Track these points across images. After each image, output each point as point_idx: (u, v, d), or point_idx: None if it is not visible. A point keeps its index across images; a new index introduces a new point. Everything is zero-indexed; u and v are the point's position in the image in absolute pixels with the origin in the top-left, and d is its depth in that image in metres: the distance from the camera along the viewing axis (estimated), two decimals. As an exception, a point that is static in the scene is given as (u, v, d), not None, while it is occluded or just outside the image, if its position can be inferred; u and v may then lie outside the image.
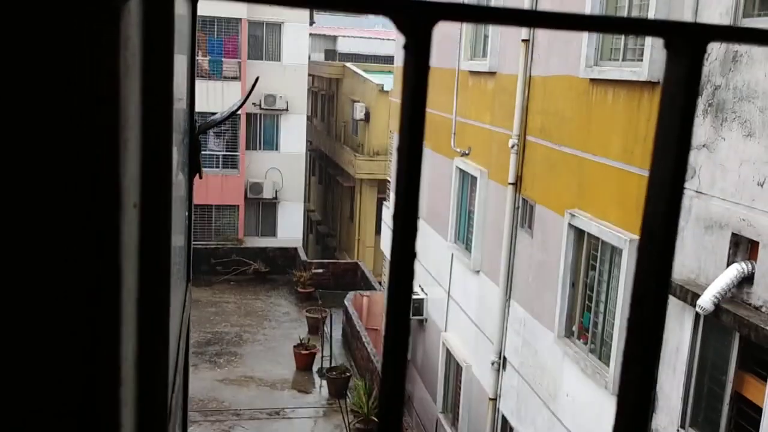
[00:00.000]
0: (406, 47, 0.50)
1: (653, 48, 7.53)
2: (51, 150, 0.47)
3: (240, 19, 25.76)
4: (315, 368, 18.23)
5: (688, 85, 0.52)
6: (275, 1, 0.47)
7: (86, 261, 0.48)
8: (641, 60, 7.87)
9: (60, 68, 0.44)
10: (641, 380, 0.56)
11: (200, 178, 1.74)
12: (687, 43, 0.52)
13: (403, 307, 0.52)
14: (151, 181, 0.66)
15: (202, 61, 25.73)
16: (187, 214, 1.68)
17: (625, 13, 8.37)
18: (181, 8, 1.36)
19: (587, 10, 8.77)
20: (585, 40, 8.83)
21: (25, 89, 0.46)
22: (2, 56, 0.45)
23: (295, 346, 18.42)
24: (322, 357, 18.03)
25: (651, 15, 7.54)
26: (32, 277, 0.47)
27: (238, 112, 25.70)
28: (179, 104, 1.35)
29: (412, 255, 0.49)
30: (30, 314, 0.48)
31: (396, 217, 0.48)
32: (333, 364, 17.69)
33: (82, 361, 0.52)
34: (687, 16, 6.97)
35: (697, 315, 6.64)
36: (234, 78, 25.92)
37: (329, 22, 46.98)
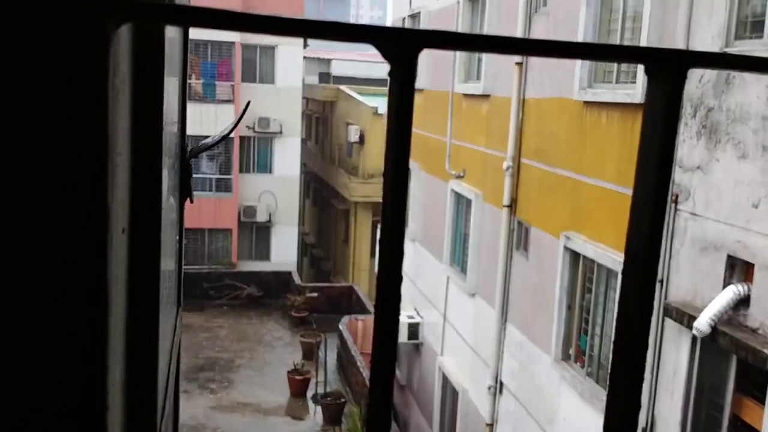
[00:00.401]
0: (391, 74, 0.51)
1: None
2: (37, 175, 0.47)
3: (234, 42, 25.91)
4: (309, 394, 18.09)
5: (668, 110, 0.52)
6: (264, 30, 0.48)
7: (72, 286, 0.48)
8: (634, 82, 7.94)
9: (49, 94, 0.45)
10: (627, 399, 0.56)
11: (191, 202, 1.74)
12: (667, 69, 0.52)
13: (391, 328, 0.53)
14: (141, 206, 0.66)
15: (196, 84, 25.83)
16: (177, 238, 1.68)
17: (618, 36, 8.46)
18: (171, 31, 1.37)
19: (580, 34, 8.86)
20: (579, 62, 8.91)
21: (13, 112, 0.47)
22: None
23: (289, 372, 18.28)
24: (317, 382, 17.90)
25: (644, 37, 7.62)
26: (16, 303, 0.47)
27: (231, 135, 25.77)
28: (170, 128, 1.35)
29: (399, 277, 0.50)
30: (14, 339, 0.48)
31: (382, 241, 0.49)
32: (328, 390, 17.56)
33: (68, 386, 0.52)
34: (679, 39, 7.05)
35: (694, 338, 6.63)
36: (227, 101, 26.01)
37: (323, 45, 47.30)
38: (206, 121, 24.95)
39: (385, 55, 0.50)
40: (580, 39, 8.88)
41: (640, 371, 0.55)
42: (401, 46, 0.48)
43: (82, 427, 0.54)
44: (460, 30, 12.89)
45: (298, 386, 18.03)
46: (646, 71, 0.54)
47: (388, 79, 0.52)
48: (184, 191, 1.61)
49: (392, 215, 0.49)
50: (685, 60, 0.53)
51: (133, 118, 0.64)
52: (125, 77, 0.57)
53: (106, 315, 0.51)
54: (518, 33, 10.55)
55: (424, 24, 15.00)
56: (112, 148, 0.50)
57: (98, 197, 0.48)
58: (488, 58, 11.82)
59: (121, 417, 0.73)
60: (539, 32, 10.22)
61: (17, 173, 0.47)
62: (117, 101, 0.51)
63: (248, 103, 3.45)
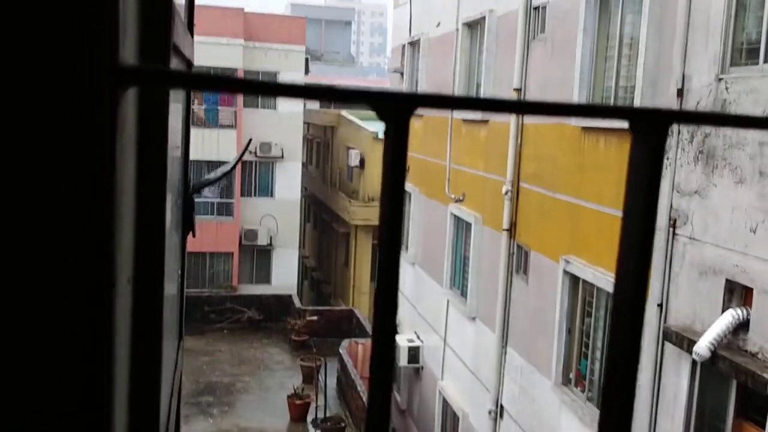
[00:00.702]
0: (386, 133, 0.53)
1: (643, 96, 7.66)
2: (46, 230, 0.50)
3: (236, 69, 26.11)
4: (309, 418, 17.97)
5: (651, 166, 0.55)
6: (267, 93, 0.50)
7: (79, 340, 0.50)
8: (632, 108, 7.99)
9: (57, 157, 0.47)
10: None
11: (194, 236, 1.76)
12: (650, 126, 0.55)
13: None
14: (145, 256, 0.68)
15: (199, 109, 25.99)
16: (180, 272, 1.70)
17: (614, 62, 8.53)
18: (176, 65, 1.40)
19: (577, 59, 8.94)
20: (576, 88, 8.98)
21: (24, 167, 0.49)
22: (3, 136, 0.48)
23: (289, 396, 18.19)
24: (317, 407, 17.79)
25: (640, 63, 7.69)
26: (19, 353, 0.49)
27: (235, 163, 25.83)
28: (174, 165, 1.38)
29: (393, 331, 0.52)
30: (18, 392, 0.50)
31: (377, 296, 0.51)
32: (328, 414, 17.45)
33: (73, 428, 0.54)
34: (675, 65, 7.11)
35: (694, 362, 6.62)
36: (229, 126, 26.16)
37: (324, 71, 47.65)
38: (209, 146, 25.08)
39: (380, 116, 0.52)
40: (577, 64, 8.96)
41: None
42: (395, 107, 0.51)
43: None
44: (458, 57, 13.01)
45: (298, 410, 17.92)
46: (630, 127, 0.57)
47: (383, 137, 0.54)
48: (187, 226, 1.64)
49: (387, 271, 0.51)
50: (668, 117, 0.55)
51: (138, 172, 0.67)
52: (131, 133, 0.60)
53: (111, 364, 0.53)
54: (516, 59, 10.64)
55: (424, 50, 15.13)
56: (119, 205, 0.52)
57: (105, 252, 0.51)
58: (487, 85, 11.91)
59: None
60: (537, 58, 10.31)
61: (23, 226, 0.49)
62: (123, 158, 0.53)
63: (250, 140, 3.49)
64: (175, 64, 0.99)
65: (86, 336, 0.50)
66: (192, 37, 1.69)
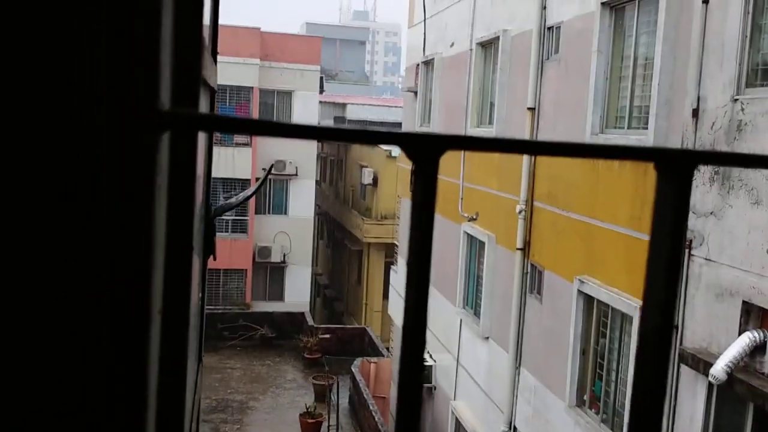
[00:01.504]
0: (415, 173, 0.54)
1: (658, 117, 7.65)
2: (89, 269, 0.51)
3: (252, 87, 26.32)
4: (322, 437, 17.89)
5: (677, 206, 0.55)
6: (291, 134, 0.52)
7: (114, 372, 0.51)
8: (646, 128, 7.99)
9: (100, 202, 0.49)
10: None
11: (214, 259, 1.78)
12: (675, 167, 0.56)
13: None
14: (173, 288, 0.70)
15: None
16: (201, 295, 1.72)
17: (629, 83, 8.53)
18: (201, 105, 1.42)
19: (591, 80, 8.95)
20: (590, 107, 8.99)
21: (70, 212, 0.50)
22: (54, 177, 0.49)
23: (301, 415, 18.13)
24: (329, 426, 17.72)
25: (654, 84, 7.69)
26: (53, 390, 0.50)
27: (249, 178, 26.00)
28: (198, 193, 1.40)
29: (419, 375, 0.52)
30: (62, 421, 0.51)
31: (403, 347, 0.52)
32: (340, 433, 17.37)
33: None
34: (690, 86, 7.10)
35: (710, 384, 6.55)
36: (245, 144, 26.32)
37: (339, 90, 47.95)
38: (224, 164, 25.24)
39: (410, 157, 0.54)
40: (591, 85, 8.97)
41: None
42: (425, 149, 0.52)
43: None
44: (472, 77, 13.05)
45: (310, 429, 17.85)
46: (656, 168, 0.57)
47: (412, 176, 0.56)
48: (208, 250, 1.65)
49: (415, 310, 0.52)
50: (693, 158, 0.56)
51: (168, 209, 0.68)
52: (164, 172, 0.61)
53: (145, 394, 0.54)
54: (530, 79, 10.67)
55: (438, 69, 15.20)
56: (155, 241, 0.53)
57: (142, 286, 0.52)
58: (501, 104, 11.94)
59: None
60: (551, 78, 10.33)
61: (65, 264, 0.51)
62: (159, 197, 0.55)
63: (271, 166, 3.52)
64: (202, 96, 1.00)
65: (124, 372, 0.51)
66: (216, 64, 1.72)
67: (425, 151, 0.52)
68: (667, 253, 0.57)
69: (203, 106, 1.37)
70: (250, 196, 3.10)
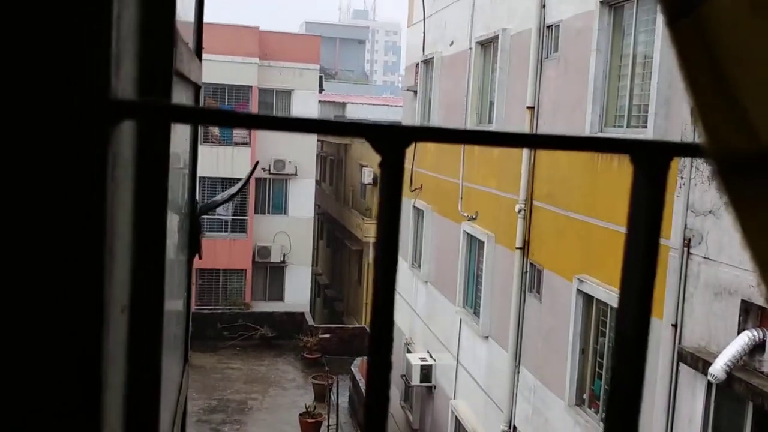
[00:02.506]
0: (381, 165, 0.53)
1: (657, 115, 7.63)
2: (35, 263, 0.49)
3: (250, 86, 26.30)
4: (322, 436, 17.88)
5: (653, 197, 0.54)
6: (256, 125, 0.50)
7: (67, 367, 0.50)
8: (645, 126, 7.97)
9: (45, 192, 0.47)
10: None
11: (200, 258, 1.76)
12: (651, 158, 0.54)
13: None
14: (143, 283, 0.68)
15: (213, 127, 26.16)
16: (186, 294, 1.70)
17: (628, 81, 8.51)
18: (183, 92, 1.40)
19: (590, 78, 8.93)
20: (590, 105, 8.97)
21: (10, 200, 0.49)
22: None
23: (300, 414, 18.12)
24: (329, 425, 17.71)
25: (654, 83, 7.67)
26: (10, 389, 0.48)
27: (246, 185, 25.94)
28: (180, 188, 1.38)
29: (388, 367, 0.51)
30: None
31: (371, 336, 0.50)
32: (340, 432, 17.36)
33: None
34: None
35: (709, 383, 6.53)
36: (244, 144, 26.30)
37: (338, 89, 47.93)
38: (223, 163, 25.23)
39: (377, 149, 0.52)
40: (590, 83, 8.95)
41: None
42: (391, 141, 0.50)
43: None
44: (471, 76, 13.04)
45: (310, 429, 17.84)
46: (632, 160, 0.56)
47: (380, 169, 0.54)
48: (194, 248, 1.64)
49: (383, 303, 0.50)
50: (669, 149, 0.55)
51: (136, 200, 0.67)
52: (127, 163, 0.60)
53: (99, 394, 0.52)
54: (530, 78, 10.65)
55: (437, 68, 15.18)
56: (111, 236, 0.52)
57: (94, 282, 0.50)
58: (500, 103, 11.93)
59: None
60: (550, 77, 10.31)
61: (8, 256, 0.49)
62: (117, 190, 0.53)
63: (257, 163, 3.51)
64: (179, 90, 0.99)
65: (76, 365, 0.50)
66: (200, 60, 1.70)
67: (391, 143, 0.50)
68: (644, 246, 0.55)
69: (183, 101, 1.35)
70: (236, 193, 3.09)
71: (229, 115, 0.48)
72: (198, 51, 1.69)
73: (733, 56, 0.50)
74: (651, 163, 0.54)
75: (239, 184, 2.87)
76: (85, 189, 0.46)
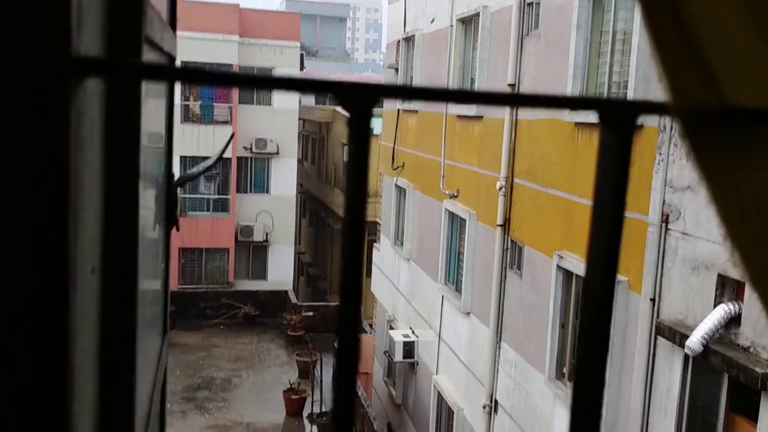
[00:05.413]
0: (349, 123, 0.53)
1: (636, 91, 7.66)
2: None
3: (231, 65, 26.05)
4: (305, 413, 18.00)
5: (620, 154, 0.55)
6: (221, 82, 0.50)
7: (35, 326, 0.50)
8: (625, 103, 7.99)
9: (7, 150, 0.47)
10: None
11: (177, 230, 1.76)
12: (618, 117, 0.55)
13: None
14: (114, 244, 0.68)
15: (194, 106, 25.92)
16: (164, 265, 1.69)
17: (608, 58, 8.53)
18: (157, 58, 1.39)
19: (571, 55, 8.94)
20: (570, 82, 8.99)
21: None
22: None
23: (285, 391, 18.21)
24: (313, 402, 17.82)
25: (633, 59, 7.69)
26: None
27: (230, 156, 25.82)
28: (155, 159, 1.37)
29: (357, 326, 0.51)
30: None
31: (341, 292, 0.51)
32: (324, 409, 17.49)
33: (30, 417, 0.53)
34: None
35: (686, 356, 6.63)
36: (225, 122, 26.11)
37: (320, 67, 47.61)
38: (204, 142, 25.05)
39: (344, 106, 0.52)
40: (571, 60, 8.96)
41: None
42: (358, 97, 0.51)
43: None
44: (452, 53, 13.00)
45: (294, 405, 17.96)
46: (600, 119, 0.57)
47: (347, 127, 0.54)
48: (170, 220, 1.63)
49: (349, 263, 0.51)
50: (634, 108, 0.55)
51: (106, 160, 0.66)
52: (94, 122, 0.59)
53: (67, 355, 0.52)
54: (510, 54, 10.64)
55: (419, 46, 15.12)
56: (76, 193, 0.51)
57: (57, 239, 0.50)
58: (481, 80, 11.91)
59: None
60: (531, 53, 10.31)
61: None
62: (83, 149, 0.52)
63: (233, 135, 3.49)
64: (151, 58, 0.98)
65: (44, 324, 0.50)
66: (174, 31, 1.68)
67: (359, 100, 0.51)
68: (611, 205, 0.56)
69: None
70: (212, 165, 3.09)
71: (199, 73, 0.48)
72: (172, 23, 1.68)
73: (697, 13, 0.51)
74: (618, 122, 0.54)
75: (215, 156, 2.85)
76: (46, 144, 0.45)
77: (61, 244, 0.46)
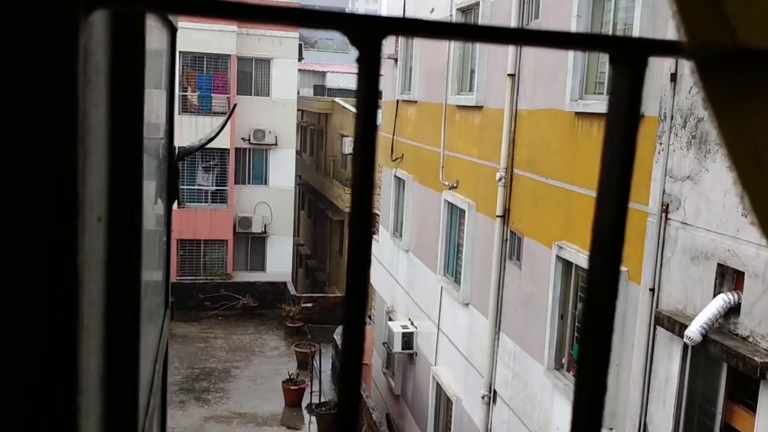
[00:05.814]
0: (358, 60, 0.52)
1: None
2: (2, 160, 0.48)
3: (229, 55, 25.99)
4: (304, 404, 18.03)
5: (631, 96, 0.54)
6: (230, 16, 0.49)
7: (40, 269, 0.49)
8: (625, 93, 7.98)
9: (13, 82, 0.46)
10: (594, 390, 0.57)
11: (179, 204, 1.75)
12: (629, 56, 0.54)
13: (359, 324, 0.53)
14: (120, 196, 0.67)
15: (192, 96, 25.86)
16: (165, 239, 1.69)
17: (607, 57, 8.49)
18: (160, 35, 1.38)
19: (570, 57, 8.90)
20: (570, 73, 8.97)
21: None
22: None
23: (284, 382, 18.24)
24: (311, 392, 17.85)
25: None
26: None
27: (228, 147, 25.77)
28: (157, 130, 1.36)
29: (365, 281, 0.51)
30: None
31: (351, 227, 0.50)
32: (323, 400, 17.52)
33: (36, 371, 0.53)
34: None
35: (686, 346, 6.64)
36: (223, 113, 26.04)
37: (318, 58, 47.50)
38: (202, 132, 24.96)
39: (353, 42, 0.51)
40: (570, 52, 8.93)
41: (607, 359, 0.56)
42: (368, 32, 0.50)
43: (52, 414, 0.55)
44: (452, 43, 12.98)
45: (293, 396, 17.99)
46: (610, 60, 0.56)
47: (356, 64, 0.53)
48: (172, 193, 1.62)
49: (360, 201, 0.50)
50: (647, 47, 0.54)
51: (111, 108, 0.65)
52: (100, 66, 0.58)
53: (76, 300, 0.52)
54: (512, 23, 10.60)
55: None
56: (83, 134, 0.51)
57: (66, 181, 0.49)
58: (481, 71, 11.88)
59: (98, 408, 0.73)
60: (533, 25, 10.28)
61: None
62: (89, 89, 0.52)
63: (234, 106, 3.48)
64: (155, 24, 0.97)
65: (50, 267, 0.49)
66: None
67: (367, 34, 0.50)
68: (622, 143, 0.55)
69: (160, 40, 1.33)
70: (213, 137, 3.07)
71: (205, 3, 0.47)
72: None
73: None
74: (629, 61, 0.53)
75: (216, 129, 2.84)
76: (54, 75, 0.44)
77: (70, 183, 0.46)
